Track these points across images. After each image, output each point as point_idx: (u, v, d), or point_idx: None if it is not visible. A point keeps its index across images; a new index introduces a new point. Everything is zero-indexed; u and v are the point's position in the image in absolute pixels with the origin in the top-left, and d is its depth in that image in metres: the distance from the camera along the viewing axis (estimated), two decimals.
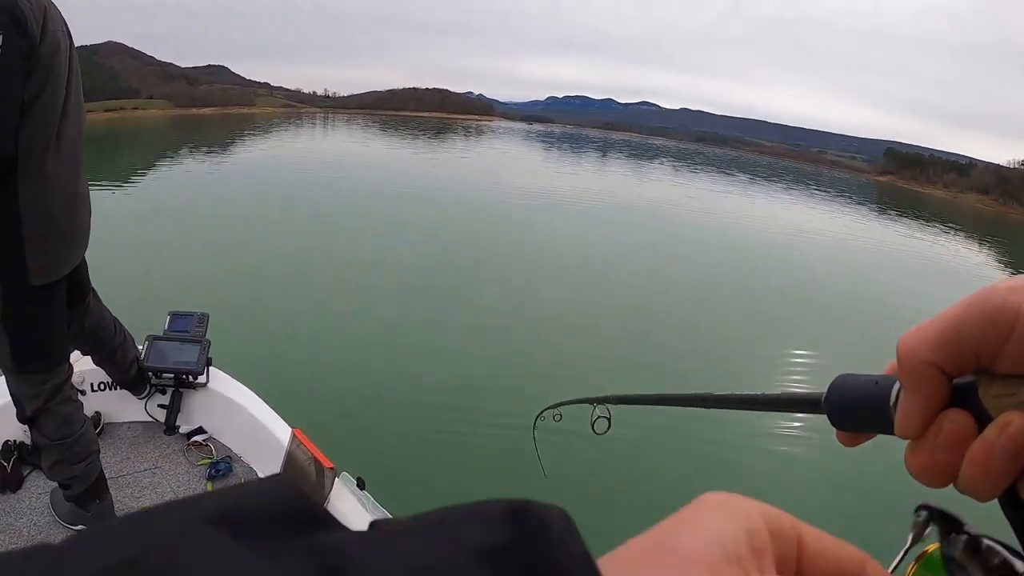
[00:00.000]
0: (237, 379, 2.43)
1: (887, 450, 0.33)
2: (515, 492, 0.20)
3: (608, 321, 7.02)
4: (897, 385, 0.29)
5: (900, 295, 11.07)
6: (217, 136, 38.09)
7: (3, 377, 1.91)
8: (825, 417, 0.35)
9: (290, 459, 2.06)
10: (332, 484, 1.90)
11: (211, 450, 2.27)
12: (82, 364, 2.44)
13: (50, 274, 1.72)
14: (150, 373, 2.40)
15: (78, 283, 1.99)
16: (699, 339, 6.83)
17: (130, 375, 2.35)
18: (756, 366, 6.27)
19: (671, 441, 4.00)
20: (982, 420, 0.26)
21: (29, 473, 2.18)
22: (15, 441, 2.20)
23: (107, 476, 2.00)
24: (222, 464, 2.18)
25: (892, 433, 0.30)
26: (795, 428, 3.91)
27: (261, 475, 2.17)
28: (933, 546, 0.26)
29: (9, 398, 1.88)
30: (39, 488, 2.12)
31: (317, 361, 5.38)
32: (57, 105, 1.64)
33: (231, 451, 2.29)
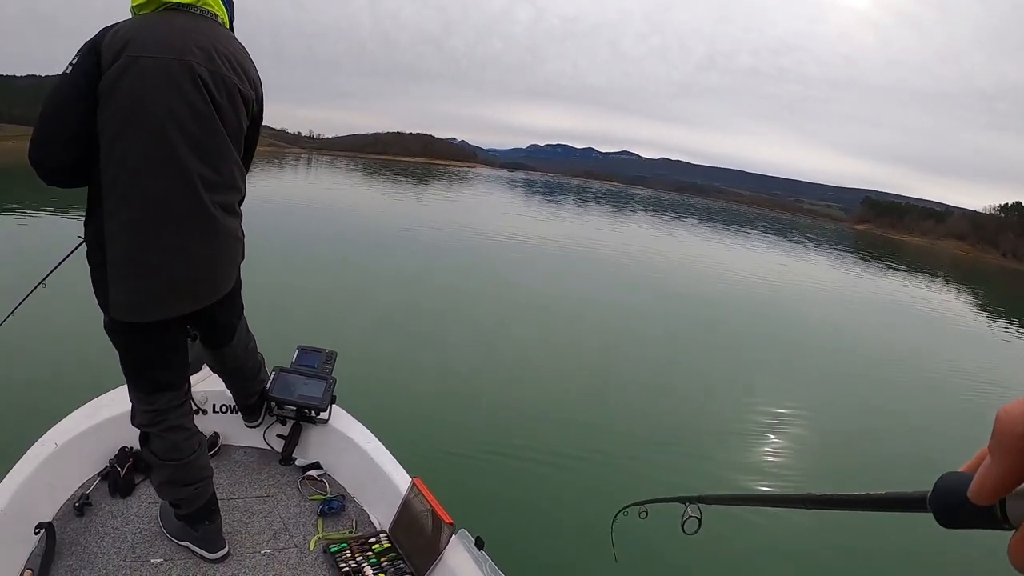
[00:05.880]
0: (360, 420, 2.47)
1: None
2: None
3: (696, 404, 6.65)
4: None
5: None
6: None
7: None
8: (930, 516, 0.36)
9: (406, 508, 2.10)
10: (448, 540, 1.89)
11: (325, 486, 2.30)
12: (208, 384, 2.55)
13: (131, 314, 1.64)
14: (273, 404, 2.46)
15: (213, 328, 1.97)
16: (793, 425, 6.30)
17: (249, 404, 2.41)
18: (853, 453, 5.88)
19: (767, 541, 3.79)
20: None
21: (142, 481, 2.21)
22: (131, 448, 2.25)
23: (219, 497, 1.99)
24: (335, 502, 2.20)
25: (997, 528, 0.30)
26: (896, 525, 3.75)
27: (374, 519, 2.21)
28: None
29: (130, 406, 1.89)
30: (150, 497, 2.14)
31: (445, 414, 5.21)
32: (143, 146, 1.53)
33: (345, 490, 2.30)
